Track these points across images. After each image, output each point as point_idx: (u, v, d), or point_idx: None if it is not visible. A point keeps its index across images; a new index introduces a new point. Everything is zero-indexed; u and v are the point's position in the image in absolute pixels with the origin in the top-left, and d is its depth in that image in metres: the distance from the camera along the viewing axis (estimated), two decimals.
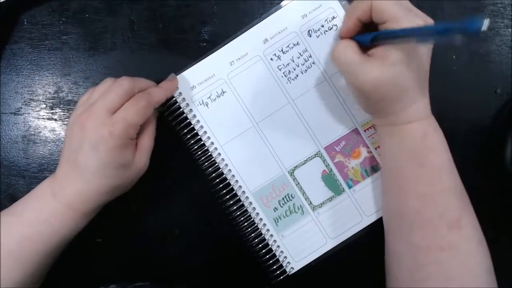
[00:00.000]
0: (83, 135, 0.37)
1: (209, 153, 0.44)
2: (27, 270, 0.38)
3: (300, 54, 0.44)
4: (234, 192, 0.44)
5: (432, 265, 0.35)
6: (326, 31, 0.44)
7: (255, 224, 0.44)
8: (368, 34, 0.35)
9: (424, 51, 0.35)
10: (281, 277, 0.44)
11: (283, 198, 0.44)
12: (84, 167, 0.37)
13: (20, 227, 0.38)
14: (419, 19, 0.33)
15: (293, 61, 0.44)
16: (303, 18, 0.44)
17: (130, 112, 0.37)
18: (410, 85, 0.35)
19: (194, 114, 0.44)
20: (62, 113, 0.46)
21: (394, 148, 0.38)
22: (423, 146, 0.36)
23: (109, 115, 0.37)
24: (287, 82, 0.44)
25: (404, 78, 0.34)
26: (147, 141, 0.40)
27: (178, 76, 0.44)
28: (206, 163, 0.44)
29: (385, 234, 0.40)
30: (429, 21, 0.34)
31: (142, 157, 0.40)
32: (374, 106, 0.38)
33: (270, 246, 0.44)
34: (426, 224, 0.36)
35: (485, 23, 0.23)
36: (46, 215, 0.38)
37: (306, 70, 0.44)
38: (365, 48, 0.37)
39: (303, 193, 0.44)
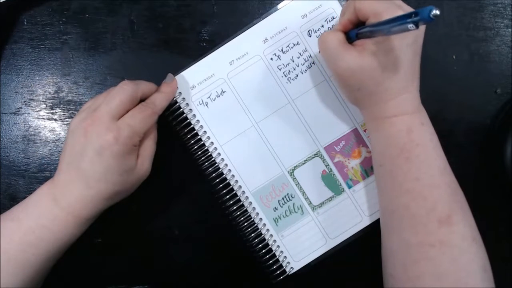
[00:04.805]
0: (86, 140, 0.37)
1: (209, 153, 0.44)
2: (28, 275, 0.38)
3: (300, 54, 0.44)
4: (234, 192, 0.44)
5: (424, 262, 0.35)
6: (326, 31, 0.44)
7: (255, 224, 0.44)
8: (353, 30, 0.37)
9: (405, 47, 0.35)
10: (281, 277, 0.44)
11: (283, 198, 0.44)
12: (87, 172, 0.37)
13: (21, 233, 0.38)
14: (402, 12, 0.33)
15: (293, 61, 0.44)
16: (303, 18, 0.44)
17: (136, 119, 0.38)
18: (387, 78, 0.35)
19: (194, 114, 0.44)
20: (62, 113, 0.46)
21: (381, 143, 0.38)
22: (409, 141, 0.36)
23: (113, 121, 0.37)
24: (287, 82, 0.44)
25: (380, 71, 0.35)
26: (149, 147, 0.40)
27: (178, 76, 0.44)
28: (206, 163, 0.44)
29: (381, 230, 0.40)
30: None
31: (144, 163, 0.40)
32: (355, 95, 0.38)
33: (270, 246, 0.44)
34: (415, 220, 0.36)
35: (434, 12, 0.26)
36: (47, 221, 0.38)
37: (306, 70, 0.44)
38: (352, 42, 0.37)
39: (303, 193, 0.44)
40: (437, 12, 0.26)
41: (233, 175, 0.44)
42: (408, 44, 0.35)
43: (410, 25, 0.28)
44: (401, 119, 0.37)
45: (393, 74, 0.35)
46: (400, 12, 0.33)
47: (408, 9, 0.35)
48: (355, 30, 0.36)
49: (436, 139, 0.37)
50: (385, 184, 0.38)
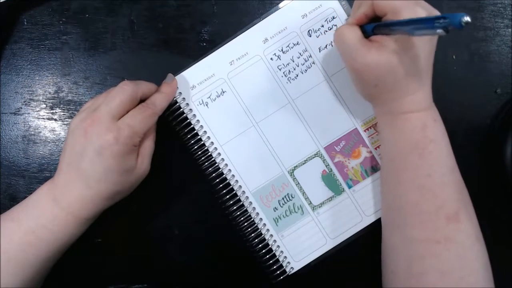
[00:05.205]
0: (86, 141, 0.37)
1: (209, 153, 0.44)
2: (28, 275, 0.38)
3: (300, 54, 0.44)
4: (234, 192, 0.44)
5: (429, 259, 0.35)
6: (326, 31, 0.44)
7: (255, 224, 0.44)
8: (370, 25, 0.36)
9: (422, 44, 0.35)
10: (281, 277, 0.44)
11: (283, 198, 0.44)
12: (87, 172, 0.37)
13: (21, 233, 0.38)
14: (422, 10, 0.33)
15: (293, 61, 0.44)
16: (303, 18, 0.44)
17: (136, 119, 0.38)
18: (404, 75, 0.35)
19: (194, 114, 0.44)
20: (62, 113, 0.46)
21: (393, 139, 0.38)
22: (423, 137, 0.36)
23: (113, 121, 0.37)
24: (287, 82, 0.44)
25: (399, 68, 0.35)
26: (148, 146, 0.41)
27: (178, 76, 0.44)
28: (206, 163, 0.44)
29: (382, 227, 0.40)
30: (435, 13, 0.35)
31: (144, 162, 0.40)
32: (370, 91, 0.38)
33: (270, 246, 0.44)
34: (424, 216, 0.36)
35: (466, 19, 0.25)
36: (47, 221, 0.38)
37: (306, 70, 0.44)
38: (367, 36, 0.37)
39: (303, 193, 0.44)
40: (469, 19, 0.24)
41: (233, 175, 0.44)
42: (426, 42, 0.35)
43: (439, 30, 0.27)
44: (416, 115, 0.37)
45: (411, 71, 0.35)
46: (419, 10, 0.33)
47: (426, 5, 0.35)
48: (371, 25, 0.36)
49: (447, 136, 0.38)
50: (394, 180, 0.38)
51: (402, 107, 0.37)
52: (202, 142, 0.44)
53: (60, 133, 0.46)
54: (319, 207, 0.44)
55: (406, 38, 0.34)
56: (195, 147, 0.44)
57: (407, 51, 0.34)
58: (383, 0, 0.35)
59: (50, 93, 0.46)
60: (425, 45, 0.35)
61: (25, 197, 0.40)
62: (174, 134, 0.44)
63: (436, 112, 0.38)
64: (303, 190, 0.44)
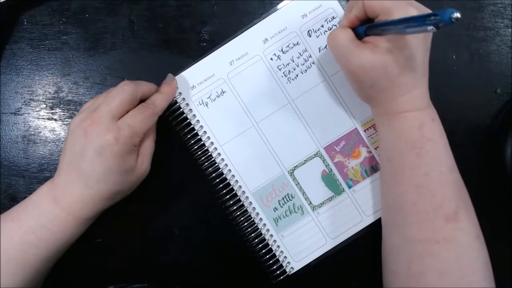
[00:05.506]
0: (86, 141, 0.37)
1: (209, 153, 0.44)
2: (28, 275, 0.38)
3: (300, 54, 0.44)
4: (234, 192, 0.44)
5: (428, 258, 0.35)
6: (326, 31, 0.44)
7: (255, 224, 0.44)
8: (362, 27, 0.37)
9: (417, 44, 0.35)
10: (281, 277, 0.44)
11: (283, 198, 0.44)
12: (87, 172, 0.37)
13: (21, 233, 0.38)
14: (414, 9, 0.33)
15: (293, 61, 0.44)
16: (303, 18, 0.44)
17: (136, 119, 0.38)
18: (400, 75, 0.35)
19: (194, 114, 0.44)
20: (62, 113, 0.46)
21: (391, 138, 0.38)
22: (421, 136, 0.36)
23: (113, 121, 0.37)
24: (287, 82, 0.44)
25: (393, 67, 0.35)
26: (148, 146, 0.41)
27: (178, 76, 0.44)
28: (206, 163, 0.44)
29: (382, 227, 0.40)
30: (426, 11, 0.35)
31: (144, 162, 0.40)
32: (367, 92, 0.38)
33: (270, 246, 0.44)
34: (422, 216, 0.36)
35: (456, 15, 0.25)
36: (47, 222, 0.38)
37: (306, 70, 0.44)
38: (360, 39, 0.37)
39: (303, 193, 0.44)
40: (458, 15, 0.25)
41: (233, 175, 0.44)
42: (420, 40, 0.35)
43: (430, 27, 0.27)
44: (413, 115, 0.37)
45: (406, 70, 0.35)
46: (411, 9, 0.33)
47: (417, 4, 0.35)
48: (364, 27, 0.36)
49: (445, 136, 0.38)
50: (392, 179, 0.38)
51: (398, 107, 0.37)
52: (202, 142, 0.44)
53: (60, 133, 0.46)
54: (319, 207, 0.44)
55: (399, 37, 0.34)
56: (195, 147, 0.44)
57: (401, 50, 0.35)
58: (374, 3, 0.35)
59: (50, 93, 0.46)
60: (419, 44, 0.35)
61: (25, 197, 0.40)
62: (174, 134, 0.44)
63: (434, 112, 0.38)
64: (303, 190, 0.44)
